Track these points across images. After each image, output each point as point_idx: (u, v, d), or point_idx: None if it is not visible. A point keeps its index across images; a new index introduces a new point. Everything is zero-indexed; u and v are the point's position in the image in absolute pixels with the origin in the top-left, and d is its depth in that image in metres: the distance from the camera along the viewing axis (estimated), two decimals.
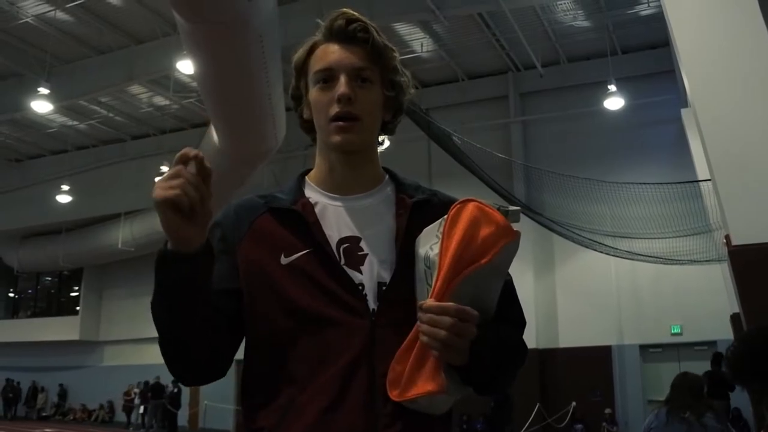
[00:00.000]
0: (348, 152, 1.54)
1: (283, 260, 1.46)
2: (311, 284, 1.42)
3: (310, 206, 1.52)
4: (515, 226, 1.38)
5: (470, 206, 1.37)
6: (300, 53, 1.59)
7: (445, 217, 1.39)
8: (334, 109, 1.48)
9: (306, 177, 1.62)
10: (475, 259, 1.33)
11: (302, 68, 1.59)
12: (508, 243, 1.35)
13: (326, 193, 1.56)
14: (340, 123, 1.48)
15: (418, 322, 1.34)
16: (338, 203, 1.54)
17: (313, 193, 1.56)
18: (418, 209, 1.52)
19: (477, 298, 1.36)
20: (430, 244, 1.40)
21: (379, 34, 1.54)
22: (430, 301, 1.32)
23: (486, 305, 1.39)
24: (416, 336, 1.36)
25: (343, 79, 1.49)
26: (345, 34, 1.52)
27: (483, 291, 1.38)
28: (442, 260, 1.34)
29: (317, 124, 1.55)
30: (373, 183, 1.59)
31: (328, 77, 1.51)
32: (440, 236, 1.37)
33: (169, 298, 1.36)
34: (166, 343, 1.41)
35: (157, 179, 1.31)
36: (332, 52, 1.52)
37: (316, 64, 1.54)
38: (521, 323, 1.55)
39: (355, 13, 1.55)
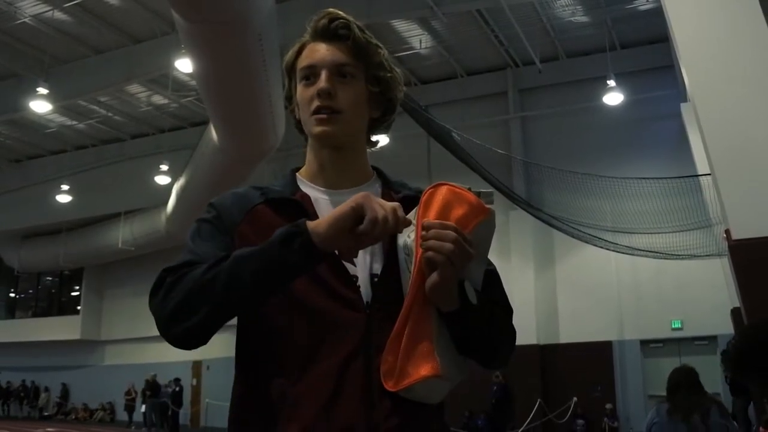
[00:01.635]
0: (333, 147, 1.57)
1: None
2: (307, 276, 1.41)
3: (308, 198, 1.55)
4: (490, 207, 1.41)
5: (443, 189, 1.40)
6: (290, 54, 1.64)
7: (419, 205, 1.41)
8: (315, 104, 1.53)
9: (297, 173, 1.65)
10: None
11: (291, 69, 1.63)
12: (482, 221, 1.38)
13: (317, 187, 1.59)
14: (320, 115, 1.52)
15: (421, 246, 1.36)
16: (329, 197, 1.57)
17: (305, 188, 1.59)
18: (405, 204, 1.52)
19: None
20: (407, 232, 1.42)
21: (363, 31, 1.58)
22: (431, 220, 1.36)
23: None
24: (405, 324, 1.37)
25: (323, 74, 1.53)
26: (328, 32, 1.57)
27: (461, 272, 1.40)
28: (418, 246, 1.37)
29: (302, 119, 1.59)
30: (362, 179, 1.62)
31: (310, 74, 1.56)
32: (416, 224, 1.39)
33: (276, 280, 1.35)
34: (212, 302, 1.34)
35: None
36: (316, 51, 1.57)
37: (301, 62, 1.59)
38: (507, 309, 1.57)
39: (340, 12, 1.59)
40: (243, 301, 1.36)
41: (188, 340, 1.39)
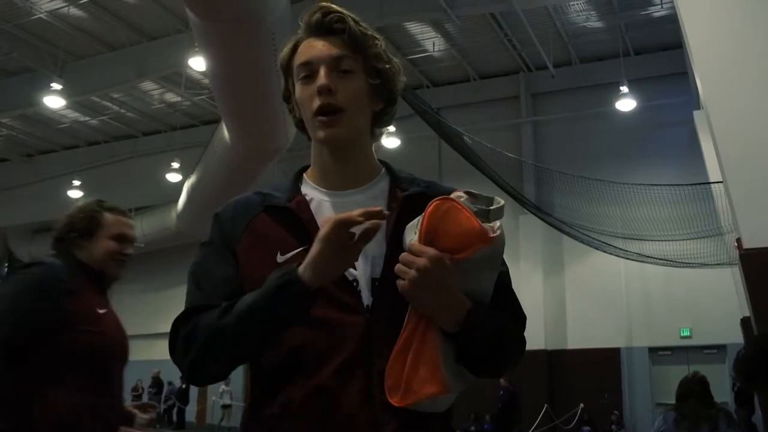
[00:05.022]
0: (338, 147, 1.53)
1: (279, 258, 1.45)
2: None
3: (305, 203, 1.52)
4: (500, 221, 1.41)
5: (448, 205, 1.38)
6: (284, 53, 1.59)
7: (424, 214, 1.40)
8: (316, 102, 1.48)
9: (304, 174, 1.62)
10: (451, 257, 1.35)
11: (287, 67, 1.59)
12: (483, 247, 1.36)
13: (321, 189, 1.56)
14: (323, 118, 1.48)
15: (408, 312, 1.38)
16: (332, 199, 1.54)
17: (309, 190, 1.56)
18: (410, 203, 1.51)
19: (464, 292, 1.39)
20: (409, 240, 1.41)
21: (358, 23, 1.54)
22: (416, 243, 1.36)
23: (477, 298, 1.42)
24: (410, 337, 1.37)
25: (322, 71, 1.49)
26: (322, 26, 1.53)
27: (468, 283, 1.39)
28: None
29: (304, 119, 1.55)
30: (368, 177, 1.58)
31: (308, 72, 1.51)
32: (417, 233, 1.38)
33: (281, 328, 1.37)
34: (226, 353, 1.40)
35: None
36: (312, 47, 1.52)
37: (298, 60, 1.54)
38: (518, 315, 1.54)
39: (333, 6, 1.55)
40: (254, 351, 1.42)
41: (211, 383, 1.51)
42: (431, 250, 1.34)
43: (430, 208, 1.38)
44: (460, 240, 1.35)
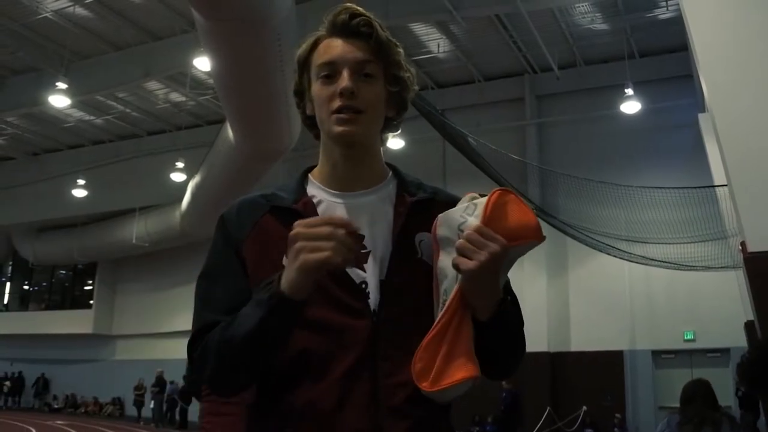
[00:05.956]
0: (350, 146, 1.52)
1: (285, 262, 1.42)
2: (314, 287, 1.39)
3: (311, 205, 1.51)
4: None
5: (510, 197, 1.40)
6: (303, 48, 1.57)
7: (474, 202, 1.40)
8: (336, 103, 1.47)
9: (309, 174, 1.61)
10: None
11: (305, 63, 1.57)
12: (533, 242, 1.39)
13: (329, 190, 1.55)
14: (342, 114, 1.47)
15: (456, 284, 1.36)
16: (341, 200, 1.53)
17: (316, 191, 1.55)
18: (417, 207, 1.51)
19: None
20: (458, 224, 1.39)
21: (383, 29, 1.54)
22: (483, 227, 1.35)
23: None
24: (448, 323, 1.36)
25: (345, 73, 1.48)
26: (348, 28, 1.51)
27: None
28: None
29: (319, 118, 1.54)
30: (376, 180, 1.58)
31: (330, 71, 1.50)
32: (480, 217, 1.37)
33: (274, 338, 1.35)
34: (236, 371, 1.40)
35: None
36: (335, 47, 1.51)
37: (319, 58, 1.53)
38: (520, 321, 1.55)
39: (359, 8, 1.54)
40: (264, 361, 1.39)
41: (236, 394, 1.50)
42: (502, 238, 1.33)
43: (493, 197, 1.39)
44: (515, 231, 1.36)
